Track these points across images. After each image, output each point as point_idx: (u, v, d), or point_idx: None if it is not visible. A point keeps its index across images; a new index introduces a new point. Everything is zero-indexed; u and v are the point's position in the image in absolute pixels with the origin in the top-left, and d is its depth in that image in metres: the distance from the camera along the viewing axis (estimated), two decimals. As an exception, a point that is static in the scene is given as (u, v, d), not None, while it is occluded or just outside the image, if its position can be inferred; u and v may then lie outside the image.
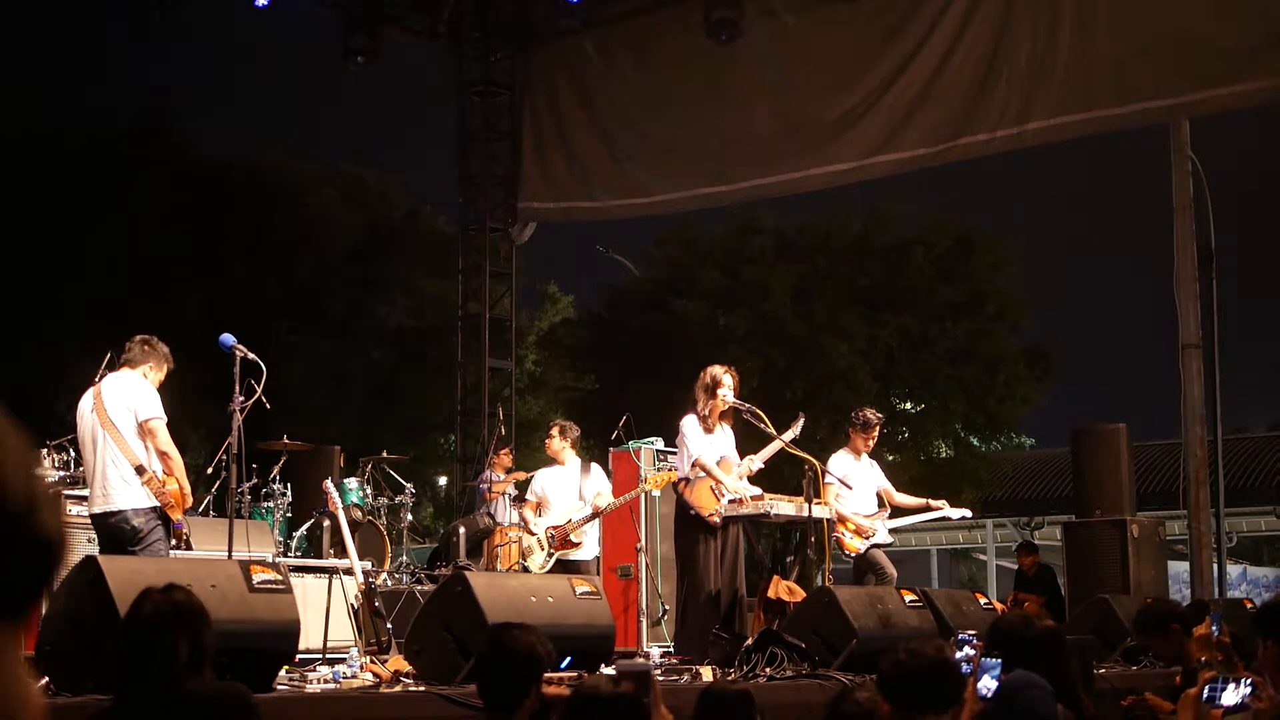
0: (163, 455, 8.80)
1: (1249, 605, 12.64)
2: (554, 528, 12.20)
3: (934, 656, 4.57)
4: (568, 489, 12.37)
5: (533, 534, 12.38)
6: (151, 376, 8.98)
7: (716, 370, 10.66)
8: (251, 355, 8.97)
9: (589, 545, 12.28)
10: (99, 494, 8.77)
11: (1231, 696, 5.53)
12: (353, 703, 6.65)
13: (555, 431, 12.66)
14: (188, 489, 8.91)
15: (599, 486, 12.33)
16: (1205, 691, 5.67)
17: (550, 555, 12.15)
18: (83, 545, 9.39)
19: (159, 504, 8.72)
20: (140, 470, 8.69)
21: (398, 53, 19.68)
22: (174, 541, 8.84)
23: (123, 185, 22.97)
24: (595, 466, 12.59)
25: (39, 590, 1.08)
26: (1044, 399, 29.36)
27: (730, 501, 10.28)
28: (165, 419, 8.87)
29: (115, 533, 8.71)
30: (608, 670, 7.06)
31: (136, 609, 4.62)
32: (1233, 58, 13.58)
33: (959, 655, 6.62)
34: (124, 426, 8.76)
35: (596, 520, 12.27)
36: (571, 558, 12.14)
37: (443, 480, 28.82)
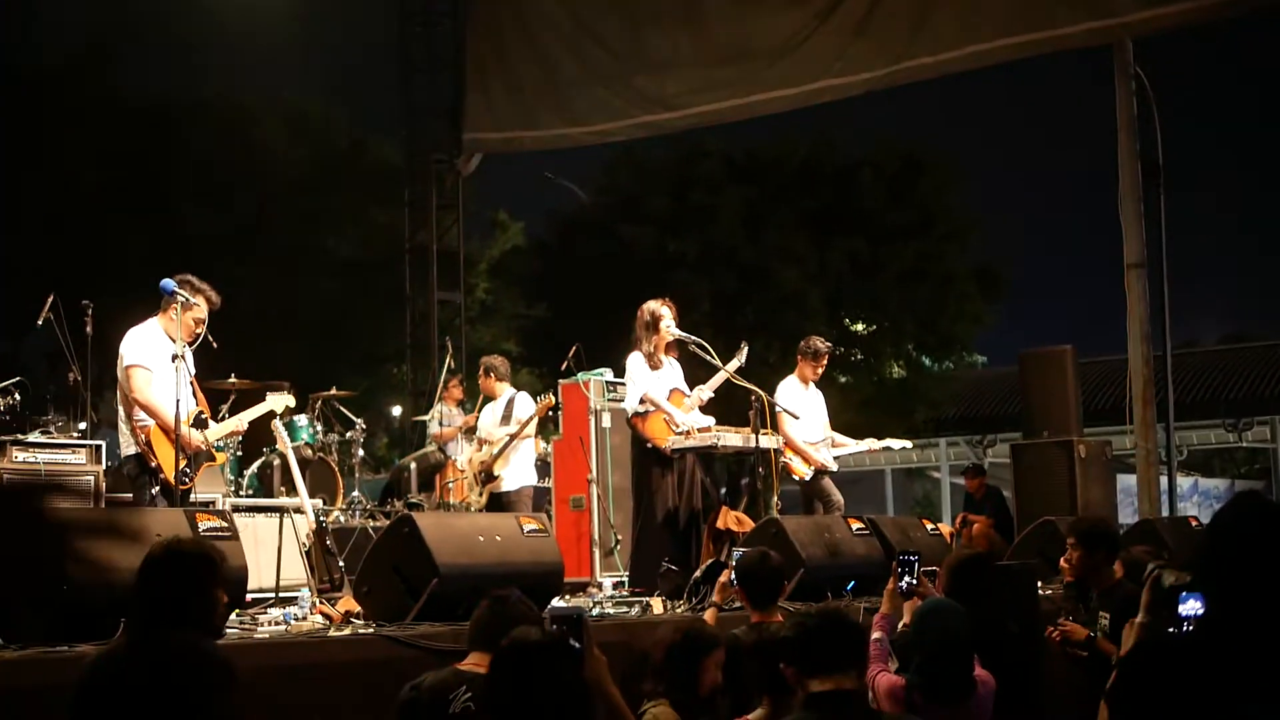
0: (139, 404, 8.70)
1: (1194, 524, 12.77)
2: (481, 462, 12.39)
3: (835, 615, 4.64)
4: (493, 422, 12.54)
5: (461, 472, 12.59)
6: (179, 318, 8.74)
7: (653, 305, 10.63)
8: (194, 299, 8.83)
9: (512, 476, 12.35)
10: None
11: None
12: (301, 647, 6.64)
13: (480, 372, 12.90)
14: (185, 436, 8.58)
15: (519, 414, 12.43)
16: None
17: (481, 491, 12.30)
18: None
19: (137, 451, 8.76)
20: (130, 417, 8.78)
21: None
22: (154, 491, 8.64)
23: (59, 126, 22.65)
24: (518, 396, 12.67)
25: None
26: (996, 319, 29.58)
27: (678, 434, 10.31)
28: (146, 367, 8.71)
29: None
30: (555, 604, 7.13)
31: (149, 558, 4.61)
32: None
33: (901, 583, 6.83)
34: (120, 375, 8.83)
35: (516, 449, 12.36)
36: (498, 490, 12.27)
37: (396, 410, 28.82)
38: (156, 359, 8.78)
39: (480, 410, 13.22)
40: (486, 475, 12.30)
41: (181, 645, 4.54)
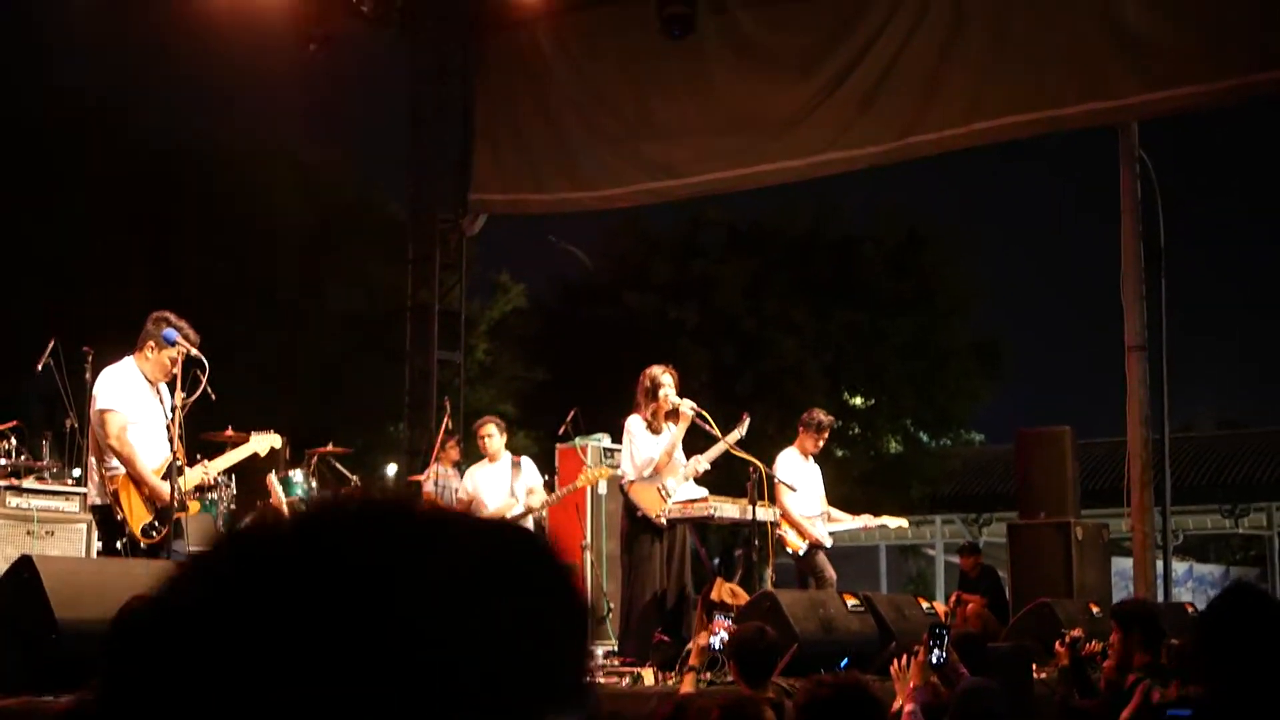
0: (112, 450, 8.38)
1: (1190, 609, 12.68)
2: None
3: (853, 685, 4.58)
4: (500, 485, 12.39)
5: None
6: (154, 358, 8.48)
7: (655, 371, 10.63)
8: (195, 351, 8.66)
9: None
10: None
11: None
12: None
13: (494, 429, 12.63)
14: (157, 489, 8.35)
15: (530, 482, 12.33)
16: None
17: None
18: (20, 540, 9.28)
19: (104, 503, 8.45)
20: (100, 463, 8.45)
21: (353, 39, 19.56)
22: (118, 545, 8.33)
23: (68, 171, 22.73)
24: (526, 462, 12.56)
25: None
26: (994, 395, 29.56)
27: (675, 503, 10.28)
28: (119, 412, 8.39)
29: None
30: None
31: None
32: (1178, 60, 13.63)
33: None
34: (92, 417, 8.57)
35: (530, 518, 12.25)
36: None
37: (392, 469, 28.70)
38: (132, 403, 8.49)
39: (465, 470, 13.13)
40: None
41: None
